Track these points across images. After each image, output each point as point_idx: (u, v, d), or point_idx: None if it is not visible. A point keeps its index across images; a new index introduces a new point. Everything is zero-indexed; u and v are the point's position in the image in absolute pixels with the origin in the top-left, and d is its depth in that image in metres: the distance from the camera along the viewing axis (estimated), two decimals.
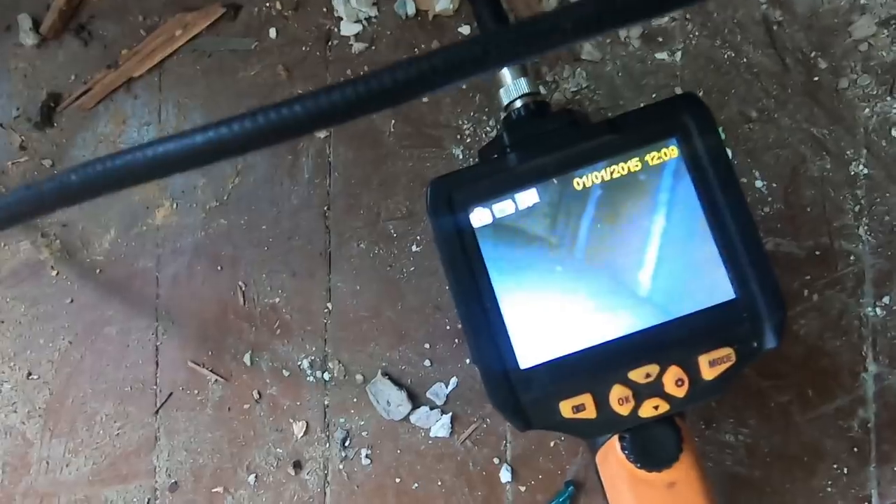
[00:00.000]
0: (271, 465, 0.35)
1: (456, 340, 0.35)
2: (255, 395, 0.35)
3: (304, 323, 0.36)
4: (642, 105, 0.35)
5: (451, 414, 0.35)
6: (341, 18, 0.36)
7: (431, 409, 0.35)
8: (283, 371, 0.36)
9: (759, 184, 0.35)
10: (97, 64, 0.37)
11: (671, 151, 0.25)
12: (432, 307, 0.35)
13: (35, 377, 0.36)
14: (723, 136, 0.35)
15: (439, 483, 0.35)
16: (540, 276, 0.25)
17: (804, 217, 0.35)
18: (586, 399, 0.25)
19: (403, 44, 0.36)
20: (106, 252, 0.37)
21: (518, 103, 0.28)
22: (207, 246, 0.36)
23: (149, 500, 0.35)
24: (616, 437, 0.26)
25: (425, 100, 0.36)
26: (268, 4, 0.37)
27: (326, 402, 0.35)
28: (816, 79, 0.35)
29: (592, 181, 0.25)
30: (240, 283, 0.36)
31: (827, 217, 0.35)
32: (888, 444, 0.34)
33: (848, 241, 0.35)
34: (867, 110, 0.35)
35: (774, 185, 0.35)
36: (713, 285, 0.25)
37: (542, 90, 0.36)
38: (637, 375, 0.25)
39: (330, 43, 0.37)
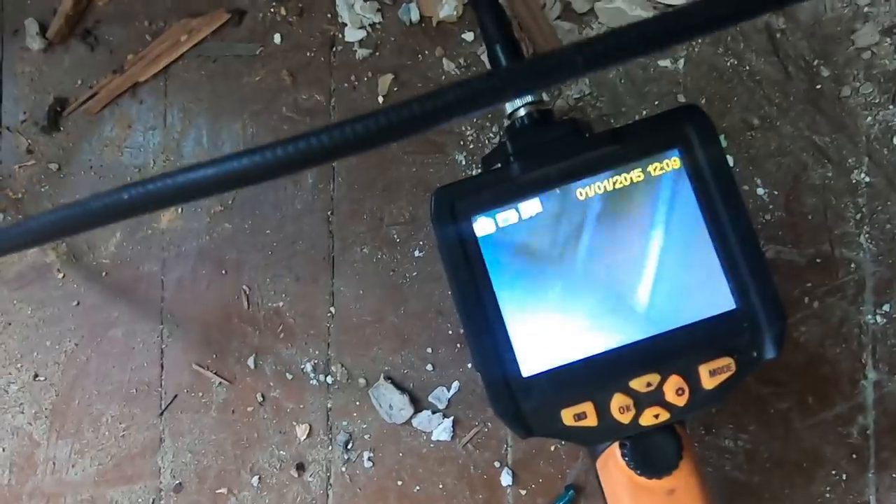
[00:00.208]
0: (274, 467, 0.36)
1: (458, 345, 0.35)
2: (259, 398, 0.36)
3: (308, 327, 0.36)
4: (645, 113, 0.36)
5: (452, 418, 0.35)
6: (345, 24, 0.37)
7: (433, 412, 0.35)
8: (287, 374, 0.36)
9: (760, 191, 0.35)
10: (103, 69, 0.37)
11: (673, 162, 0.25)
12: (435, 312, 0.36)
13: (41, 379, 0.37)
14: (725, 143, 0.35)
15: (441, 486, 0.35)
16: (542, 285, 0.26)
17: (805, 224, 0.35)
18: (587, 407, 0.25)
19: (407, 50, 0.37)
20: (112, 255, 0.37)
21: (521, 111, 0.28)
22: (212, 250, 0.36)
23: (153, 500, 0.36)
24: (616, 445, 0.26)
25: None
26: (272, 10, 0.37)
27: (329, 406, 0.36)
28: (819, 87, 0.35)
29: (595, 191, 0.26)
30: (244, 286, 0.36)
31: (828, 225, 0.35)
32: (887, 451, 0.34)
33: (849, 248, 0.35)
34: (869, 118, 0.35)
35: (776, 192, 0.35)
36: (714, 295, 0.25)
37: (546, 97, 0.36)
38: (638, 384, 0.25)
39: (334, 48, 0.37)
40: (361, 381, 0.36)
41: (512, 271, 0.26)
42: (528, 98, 0.28)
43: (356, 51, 0.37)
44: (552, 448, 0.35)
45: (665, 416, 0.25)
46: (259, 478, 0.35)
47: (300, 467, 0.35)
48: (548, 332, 0.25)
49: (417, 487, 0.35)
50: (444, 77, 0.36)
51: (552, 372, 0.25)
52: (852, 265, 0.35)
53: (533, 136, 0.27)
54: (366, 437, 0.35)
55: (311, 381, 0.36)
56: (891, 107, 0.35)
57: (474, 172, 0.36)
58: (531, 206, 0.26)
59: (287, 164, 0.17)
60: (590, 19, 0.36)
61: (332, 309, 0.36)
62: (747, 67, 0.36)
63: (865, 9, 0.36)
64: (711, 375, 0.25)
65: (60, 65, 0.38)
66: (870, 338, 0.35)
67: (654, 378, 0.25)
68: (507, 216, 0.26)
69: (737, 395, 0.34)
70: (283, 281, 0.36)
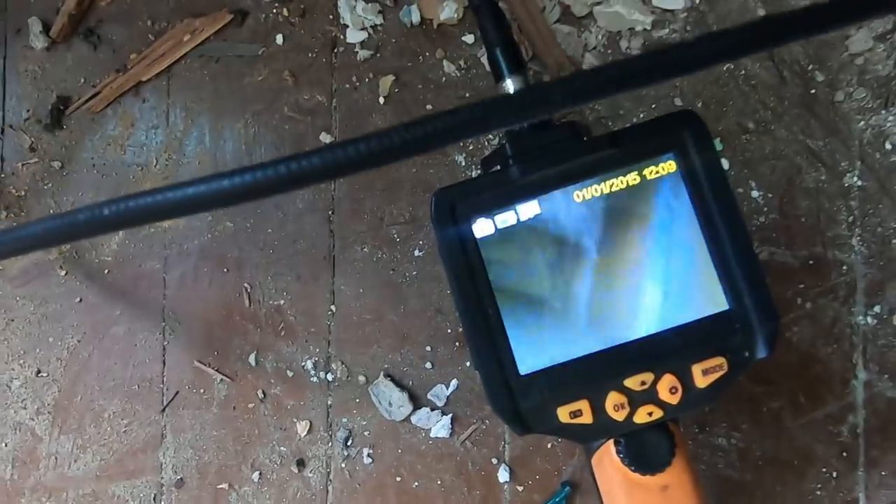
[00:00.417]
0: (275, 462, 0.36)
1: (456, 344, 0.36)
2: (260, 395, 0.36)
3: (308, 325, 0.36)
4: (642, 116, 0.36)
5: (451, 415, 0.36)
6: (347, 26, 0.37)
7: (432, 410, 0.36)
8: (288, 371, 0.36)
9: (755, 194, 0.36)
10: (106, 67, 0.38)
11: (669, 166, 0.26)
12: (434, 311, 0.36)
13: (44, 375, 0.37)
14: (720, 147, 0.36)
15: (439, 482, 0.36)
16: (540, 285, 0.26)
17: (799, 227, 0.36)
18: (583, 405, 0.25)
19: (408, 52, 0.37)
20: (114, 253, 0.37)
21: (518, 125, 0.29)
22: (213, 248, 0.37)
23: (155, 495, 0.36)
24: (611, 442, 0.26)
25: (429, 106, 0.37)
26: (275, 11, 0.37)
27: (329, 403, 0.36)
28: (813, 91, 0.36)
29: (592, 194, 0.26)
30: (245, 285, 0.37)
31: (821, 227, 0.36)
32: (876, 450, 0.35)
33: (841, 251, 0.36)
34: (862, 123, 0.36)
35: (770, 195, 0.36)
36: (708, 296, 0.26)
37: None
38: (632, 383, 0.25)
39: (336, 50, 0.37)
40: (361, 378, 0.36)
41: (510, 272, 0.26)
42: None
43: (357, 52, 0.37)
44: (549, 445, 0.35)
45: (659, 414, 0.25)
46: (260, 473, 0.36)
47: (300, 463, 0.36)
48: (545, 331, 0.26)
49: (416, 483, 0.36)
50: (444, 79, 0.37)
51: (549, 370, 0.26)
52: (844, 267, 0.36)
53: (532, 139, 0.27)
54: (365, 433, 0.36)
55: (312, 379, 0.36)
56: (883, 112, 0.36)
57: (474, 173, 0.37)
58: (529, 208, 0.26)
59: (281, 184, 0.17)
60: (588, 23, 0.37)
61: (333, 307, 0.37)
62: (743, 72, 0.36)
63: None
64: (704, 375, 0.25)
65: (63, 63, 0.38)
66: (861, 338, 0.35)
67: (648, 377, 0.25)
68: (505, 218, 0.26)
69: (730, 394, 0.35)
70: (285, 279, 0.37)
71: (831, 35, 0.36)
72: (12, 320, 0.37)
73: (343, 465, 0.36)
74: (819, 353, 0.35)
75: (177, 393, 0.36)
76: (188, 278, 0.37)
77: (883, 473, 0.35)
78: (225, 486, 0.36)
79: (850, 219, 0.36)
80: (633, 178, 0.26)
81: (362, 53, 0.37)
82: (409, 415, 0.36)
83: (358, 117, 0.37)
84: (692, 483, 0.26)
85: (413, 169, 0.37)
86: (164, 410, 0.36)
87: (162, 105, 0.38)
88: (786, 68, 0.36)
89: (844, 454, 0.35)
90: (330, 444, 0.36)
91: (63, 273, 0.37)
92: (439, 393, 0.36)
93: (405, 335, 0.36)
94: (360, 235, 0.37)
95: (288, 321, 0.37)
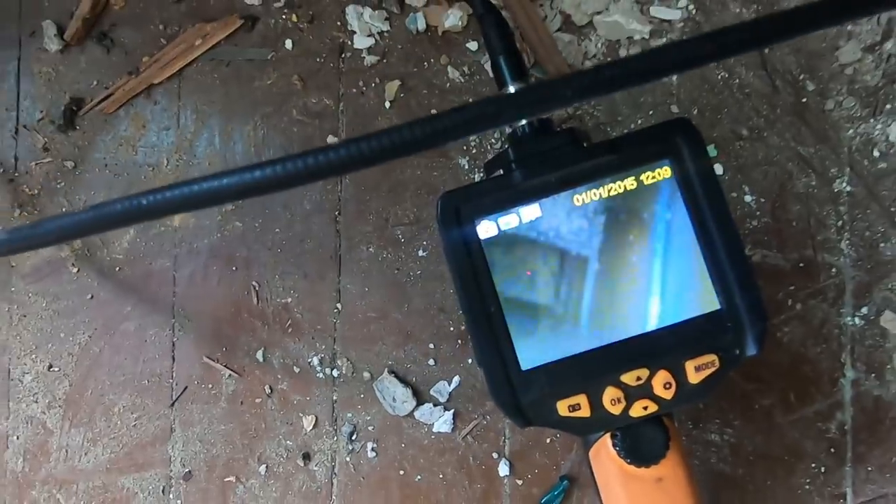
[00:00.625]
0: (281, 456, 0.37)
1: (459, 341, 0.37)
2: (267, 390, 0.37)
3: (315, 322, 0.37)
4: (640, 122, 0.38)
5: (453, 410, 0.37)
6: (354, 32, 0.38)
7: (435, 405, 0.37)
8: (294, 367, 0.37)
9: (748, 198, 0.37)
10: (119, 70, 0.39)
11: (664, 172, 0.27)
12: (437, 309, 0.37)
13: (56, 369, 0.38)
14: (715, 152, 0.37)
15: (441, 476, 0.37)
16: (541, 285, 0.27)
17: (790, 231, 0.37)
18: (581, 399, 0.27)
19: (413, 57, 0.38)
20: (125, 251, 0.38)
21: (523, 120, 0.30)
22: (223, 247, 0.38)
23: (164, 488, 0.37)
24: (608, 435, 0.28)
25: (433, 111, 0.38)
26: (284, 17, 0.38)
27: (335, 398, 0.37)
28: (804, 100, 0.37)
29: (591, 198, 0.27)
30: (253, 283, 0.38)
31: (811, 231, 0.37)
32: (863, 446, 0.36)
33: (830, 254, 0.37)
34: (851, 131, 0.37)
35: (762, 199, 0.37)
36: (701, 296, 0.27)
37: None
38: (629, 378, 0.27)
39: (343, 55, 0.38)
40: (366, 374, 0.37)
41: (512, 272, 0.27)
42: None
43: (364, 57, 0.38)
44: (547, 440, 0.36)
45: (653, 408, 0.27)
46: (266, 466, 0.37)
47: (306, 457, 0.37)
48: (545, 328, 0.27)
49: (419, 477, 0.37)
50: (448, 84, 0.38)
51: (549, 366, 0.27)
52: (833, 270, 0.37)
53: (533, 145, 0.29)
54: (369, 428, 0.37)
55: (318, 375, 0.37)
56: (871, 120, 0.37)
57: (477, 176, 0.38)
58: (531, 211, 0.27)
59: (315, 173, 0.18)
60: (588, 32, 0.38)
61: (339, 305, 0.38)
62: (737, 80, 0.37)
63: (849, 27, 0.37)
64: (697, 371, 0.26)
65: (77, 66, 0.39)
66: (849, 339, 0.37)
67: (644, 373, 0.27)
68: (508, 220, 0.27)
69: (722, 391, 0.36)
70: (292, 278, 0.38)
71: (822, 46, 0.37)
72: (25, 316, 0.38)
73: (348, 459, 0.37)
74: (809, 352, 0.37)
75: (186, 388, 0.37)
76: (198, 276, 0.38)
77: (869, 469, 0.36)
78: (232, 478, 0.37)
79: (840, 223, 0.37)
80: (630, 182, 0.27)
81: (369, 59, 0.38)
82: (413, 410, 0.37)
83: (364, 121, 0.38)
84: (686, 475, 0.28)
85: (417, 171, 0.38)
86: (173, 405, 0.37)
87: (173, 107, 0.39)
88: (778, 77, 0.37)
89: (833, 450, 0.36)
90: (335, 438, 0.37)
91: (75, 270, 0.38)
92: (442, 389, 0.37)
93: (409, 333, 0.37)
94: (365, 236, 0.38)
95: (295, 319, 0.38)
